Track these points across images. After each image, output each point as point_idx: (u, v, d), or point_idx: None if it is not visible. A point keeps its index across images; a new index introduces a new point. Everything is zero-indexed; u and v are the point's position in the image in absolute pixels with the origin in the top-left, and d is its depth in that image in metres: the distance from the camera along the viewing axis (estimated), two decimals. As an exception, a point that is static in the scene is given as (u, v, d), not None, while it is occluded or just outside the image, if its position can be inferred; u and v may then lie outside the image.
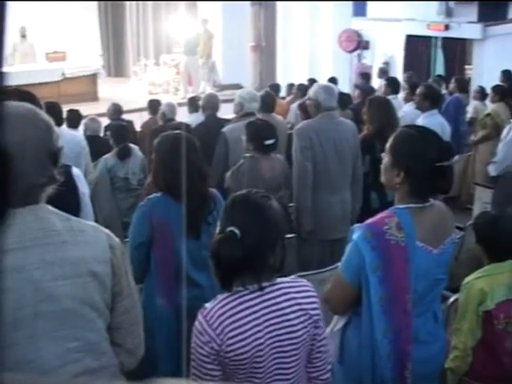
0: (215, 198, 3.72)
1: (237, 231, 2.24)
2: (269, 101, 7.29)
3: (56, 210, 2.05)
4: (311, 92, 5.49)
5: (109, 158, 6.56)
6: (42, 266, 1.94)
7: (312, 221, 5.25)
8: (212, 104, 7.33)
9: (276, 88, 11.25)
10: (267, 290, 2.31)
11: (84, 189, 3.38)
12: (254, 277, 2.29)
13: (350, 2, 16.98)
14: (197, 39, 16.86)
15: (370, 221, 2.86)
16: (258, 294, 2.30)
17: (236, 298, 2.30)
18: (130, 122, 8.83)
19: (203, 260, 3.55)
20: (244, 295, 2.30)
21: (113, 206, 6.44)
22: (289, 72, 17.41)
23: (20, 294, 1.91)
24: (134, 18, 20.12)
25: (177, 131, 3.91)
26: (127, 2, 20.10)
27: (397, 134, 2.99)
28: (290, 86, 12.73)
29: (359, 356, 2.91)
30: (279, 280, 2.37)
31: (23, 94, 3.20)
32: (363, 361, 2.89)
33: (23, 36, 16.28)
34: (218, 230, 2.35)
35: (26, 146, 1.92)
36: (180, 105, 9.26)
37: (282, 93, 12.47)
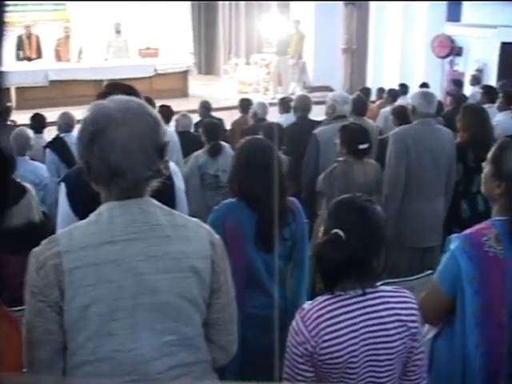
0: (294, 209, 3.66)
1: (341, 233, 2.24)
2: (361, 104, 7.26)
3: (159, 204, 2.09)
4: (410, 97, 5.45)
5: (200, 154, 6.63)
6: (144, 258, 1.98)
7: (396, 227, 5.18)
8: (304, 105, 7.34)
9: (366, 92, 11.17)
10: (368, 296, 2.30)
11: (180, 184, 3.39)
12: (357, 281, 2.28)
13: (444, 7, 16.68)
14: (288, 39, 16.88)
15: (468, 231, 2.81)
16: (359, 299, 2.29)
17: (335, 302, 2.30)
18: (221, 120, 8.91)
19: (277, 271, 3.53)
20: (344, 299, 2.30)
21: (201, 203, 6.50)
22: (379, 76, 17.25)
23: (121, 285, 1.96)
24: (227, 16, 20.28)
25: (259, 137, 3.89)
26: (220, 2, 20.27)
27: (499, 144, 2.93)
28: (381, 90, 12.62)
29: (449, 367, 2.87)
30: (380, 288, 2.35)
31: (128, 88, 3.25)
32: (453, 372, 2.84)
33: (118, 32, 16.59)
34: (321, 232, 2.35)
35: (134, 140, 1.96)
36: (270, 105, 9.28)
37: (372, 97, 12.37)
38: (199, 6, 20.79)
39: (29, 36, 15.79)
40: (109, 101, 2.06)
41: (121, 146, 1.94)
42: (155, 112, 2.08)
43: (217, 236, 2.18)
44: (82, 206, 2.95)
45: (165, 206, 2.10)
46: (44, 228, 5.53)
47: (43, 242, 2.04)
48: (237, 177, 3.57)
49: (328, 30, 17.71)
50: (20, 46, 15.70)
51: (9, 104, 12.17)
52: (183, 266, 2.03)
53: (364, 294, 2.29)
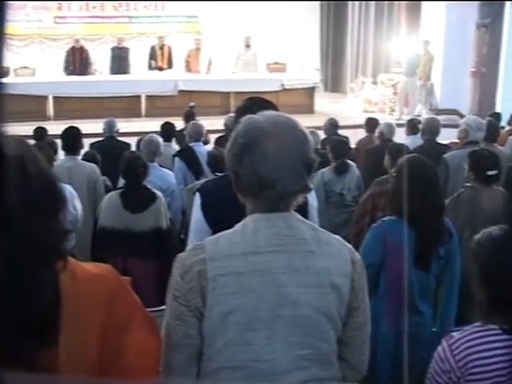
0: (450, 230, 3.65)
1: None
2: (492, 130, 7.09)
3: (303, 219, 2.12)
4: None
5: (326, 171, 6.64)
6: (286, 271, 2.00)
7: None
8: (432, 128, 7.24)
9: (497, 117, 10.85)
10: None
11: (313, 201, 3.41)
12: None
13: None
14: (417, 60, 16.67)
15: None
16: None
17: (488, 335, 2.24)
18: (347, 138, 8.88)
19: (429, 289, 3.50)
20: (497, 334, 2.23)
21: (325, 220, 6.51)
22: (509, 101, 16.76)
23: (262, 296, 1.98)
24: (355, 35, 20.23)
25: (420, 156, 3.88)
26: (349, 19, 20.24)
27: None
28: (512, 116, 12.24)
29: None
30: None
31: (266, 102, 3.30)
32: None
33: (247, 46, 16.83)
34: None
35: (283, 153, 2.00)
36: (395, 125, 9.17)
37: (502, 122, 12.02)
38: (328, 23, 20.85)
39: (161, 47, 16.26)
40: (260, 115, 2.11)
41: (270, 159, 1.98)
42: (305, 128, 2.10)
43: (357, 254, 2.17)
44: (216, 216, 3.02)
45: (309, 222, 2.13)
46: (170, 234, 5.68)
47: (189, 247, 2.10)
48: (397, 194, 3.58)
49: (458, 52, 17.36)
50: (153, 55, 16.20)
51: None
52: (324, 282, 2.03)
53: None
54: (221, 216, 2.95)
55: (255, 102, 3.26)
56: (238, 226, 2.08)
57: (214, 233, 2.94)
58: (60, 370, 1.76)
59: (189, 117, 9.95)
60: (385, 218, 3.62)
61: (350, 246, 2.18)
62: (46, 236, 1.77)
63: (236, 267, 1.99)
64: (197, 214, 3.09)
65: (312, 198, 3.45)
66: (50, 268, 1.78)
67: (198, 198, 3.11)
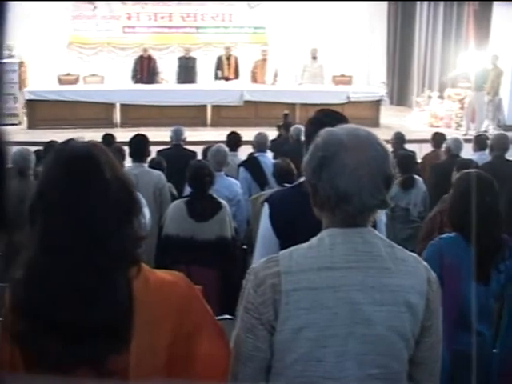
0: (509, 245, 3.57)
1: None
2: None
3: (381, 236, 2.09)
4: None
5: (392, 186, 6.56)
6: (362, 288, 1.97)
7: None
8: (501, 144, 7.12)
9: None
10: None
11: (382, 216, 3.38)
12: None
13: None
14: (485, 75, 16.41)
15: None
16: None
17: None
18: (413, 153, 8.79)
19: (488, 308, 3.43)
20: None
21: (390, 235, 6.43)
22: None
23: (336, 312, 1.96)
24: (423, 48, 20.04)
25: (477, 170, 3.82)
26: (416, 32, 20.07)
27: None
28: None
29: None
30: None
31: (337, 114, 3.29)
32: None
33: (314, 58, 16.85)
34: None
35: (362, 166, 1.97)
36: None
37: None
38: (395, 37, 20.72)
39: (228, 57, 16.38)
40: (339, 128, 2.09)
41: (349, 172, 1.96)
42: (384, 143, 2.08)
43: (433, 273, 2.13)
44: (284, 227, 3.01)
45: (386, 238, 2.09)
46: (234, 244, 5.69)
47: (263, 260, 2.08)
48: (455, 210, 3.53)
49: (527, 68, 17.06)
50: (219, 66, 16.32)
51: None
52: (399, 300, 2.00)
53: None
54: (289, 227, 2.94)
55: (327, 114, 3.25)
56: (313, 240, 2.05)
57: (281, 243, 2.95)
58: (130, 375, 1.78)
59: (286, 125, 10.08)
60: (443, 235, 3.56)
61: (425, 264, 2.14)
62: (121, 242, 1.79)
63: (310, 282, 1.96)
64: (265, 225, 3.09)
65: (381, 213, 3.42)
66: (124, 274, 1.80)
67: (266, 209, 3.10)
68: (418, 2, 19.74)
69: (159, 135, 10.78)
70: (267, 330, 1.99)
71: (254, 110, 15.02)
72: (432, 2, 19.41)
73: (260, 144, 7.92)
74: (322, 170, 2.00)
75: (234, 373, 2.03)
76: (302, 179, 3.12)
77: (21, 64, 15.48)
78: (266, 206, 3.12)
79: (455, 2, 18.84)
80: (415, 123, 16.78)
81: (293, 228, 2.88)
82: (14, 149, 6.93)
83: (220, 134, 10.70)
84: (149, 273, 1.87)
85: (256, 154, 7.82)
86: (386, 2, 20.13)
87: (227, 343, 2.03)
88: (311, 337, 1.96)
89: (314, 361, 1.97)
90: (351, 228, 2.02)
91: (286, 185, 4.99)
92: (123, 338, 1.76)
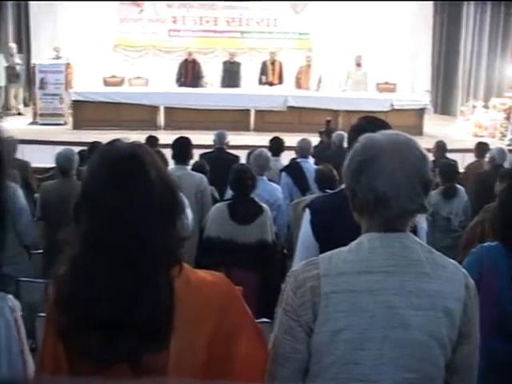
0: None
1: None
2: None
3: (420, 241, 2.11)
4: None
5: (433, 194, 6.55)
6: (399, 292, 1.99)
7: None
8: (547, 156, 7.04)
9: None
10: None
11: (423, 224, 3.37)
12: None
13: None
14: (531, 85, 16.24)
15: None
16: None
17: None
18: (455, 162, 8.73)
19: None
20: None
21: (429, 244, 6.40)
22: None
23: (374, 316, 1.98)
24: (468, 57, 19.84)
25: None
26: (462, 41, 19.89)
27: None
28: None
29: None
30: None
31: (380, 121, 3.30)
32: None
33: (358, 65, 16.80)
34: None
35: (401, 171, 2.00)
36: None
37: None
38: (440, 45, 20.56)
39: (273, 62, 16.39)
40: (379, 133, 2.12)
41: (388, 176, 1.98)
42: (423, 148, 2.10)
43: (471, 280, 2.14)
44: (324, 233, 3.03)
45: (424, 244, 2.11)
46: (274, 248, 5.72)
47: (303, 262, 2.11)
48: (497, 219, 3.52)
49: None
50: (264, 71, 16.34)
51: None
52: (437, 305, 2.01)
53: None
54: (330, 232, 2.96)
55: (370, 121, 3.26)
56: (352, 244, 2.08)
57: (321, 248, 2.97)
58: (169, 373, 1.80)
59: (328, 132, 10.11)
60: (484, 244, 3.54)
61: (464, 270, 2.15)
62: (164, 242, 1.82)
63: (349, 285, 1.99)
64: (305, 229, 3.11)
65: (422, 220, 3.41)
66: (166, 273, 1.83)
67: (307, 214, 3.13)
68: (465, 10, 19.57)
69: (202, 138, 10.85)
70: (305, 332, 2.01)
71: (297, 116, 15.00)
72: (479, 9, 19.22)
73: (303, 150, 7.95)
74: (361, 173, 2.04)
75: (272, 374, 2.06)
76: (343, 185, 3.15)
77: (67, 65, 15.66)
78: (307, 211, 3.15)
79: (502, 7, 18.60)
80: (459, 132, 16.62)
81: (332, 233, 2.90)
82: (58, 149, 7.05)
83: (263, 139, 10.72)
84: (190, 272, 1.90)
85: (298, 160, 7.85)
86: (432, 9, 19.98)
87: (265, 344, 2.05)
88: (349, 339, 1.98)
89: (351, 363, 1.99)
90: (390, 233, 2.05)
91: (328, 191, 5.00)
92: (163, 336, 1.79)
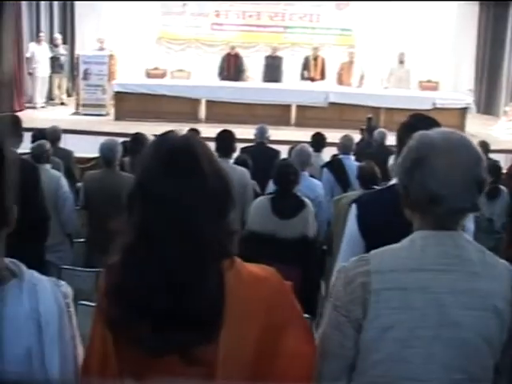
0: None
1: None
2: None
3: (472, 240, 2.09)
4: None
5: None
6: (450, 291, 1.98)
7: None
8: None
9: None
10: None
11: (470, 224, 3.34)
12: None
13: None
14: None
15: None
16: None
17: None
18: (498, 162, 8.63)
19: None
20: None
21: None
22: None
23: (424, 314, 1.97)
24: (513, 57, 19.63)
25: None
26: (508, 41, 19.62)
27: None
28: None
29: None
30: None
31: (430, 120, 3.27)
32: None
33: (401, 62, 16.73)
34: None
35: (455, 169, 1.99)
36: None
37: None
38: (485, 43, 20.31)
39: (315, 58, 16.35)
40: (433, 131, 2.11)
41: (441, 174, 1.98)
42: (478, 147, 2.08)
43: None
44: (371, 230, 3.02)
45: (476, 243, 2.09)
46: (315, 244, 5.71)
47: (354, 258, 2.11)
48: None
49: None
50: (306, 66, 16.31)
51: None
52: (487, 305, 1.99)
53: None
54: (376, 229, 2.95)
55: (419, 119, 3.25)
56: (404, 241, 2.07)
57: (366, 244, 2.96)
58: (218, 367, 1.81)
59: (370, 129, 10.09)
60: None
61: None
62: (217, 234, 1.82)
63: (400, 282, 1.98)
64: (352, 225, 3.10)
65: (468, 221, 3.38)
66: (218, 266, 1.83)
67: (354, 210, 3.11)
68: (511, 9, 19.31)
69: (243, 132, 10.84)
70: (354, 328, 2.01)
71: (338, 112, 14.93)
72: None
73: (346, 146, 7.92)
74: (415, 171, 2.03)
75: (319, 369, 2.06)
76: (392, 182, 3.13)
77: (111, 57, 15.79)
78: (354, 206, 3.13)
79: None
80: (502, 133, 16.42)
81: (379, 230, 2.89)
82: (100, 139, 7.11)
83: (303, 134, 10.70)
84: (241, 266, 1.90)
85: (340, 156, 7.82)
86: (477, 7, 19.76)
87: (313, 340, 2.05)
88: (398, 337, 1.97)
89: (401, 361, 1.98)
90: (442, 231, 2.03)
91: (375, 187, 4.97)
92: (213, 328, 1.79)
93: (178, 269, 1.78)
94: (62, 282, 1.95)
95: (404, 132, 3.10)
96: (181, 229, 1.80)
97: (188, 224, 1.80)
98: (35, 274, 1.89)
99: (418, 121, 3.18)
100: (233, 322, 1.82)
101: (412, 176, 2.03)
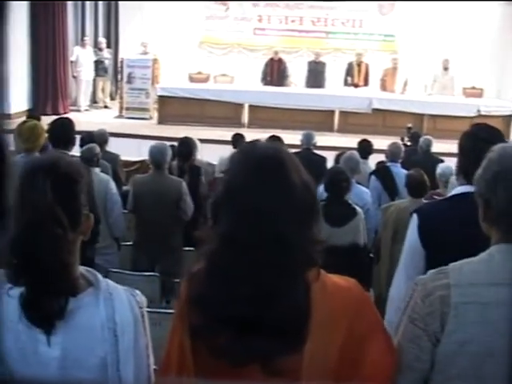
0: None
1: None
2: None
3: None
4: None
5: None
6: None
7: None
8: None
9: None
10: None
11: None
12: None
13: None
14: None
15: None
16: None
17: None
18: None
19: None
20: None
21: None
22: None
23: (500, 330, 1.93)
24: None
25: None
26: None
27: None
28: None
29: None
30: None
31: (493, 129, 3.23)
32: None
33: (445, 68, 16.58)
34: None
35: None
36: None
37: None
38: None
39: (359, 63, 16.30)
40: None
41: None
42: None
43: None
44: (432, 239, 2.98)
45: None
46: (365, 252, 5.67)
47: (432, 271, 2.08)
48: None
49: None
50: (349, 72, 16.27)
51: None
52: None
53: None
54: (437, 239, 2.92)
55: (482, 129, 3.21)
56: (483, 255, 2.03)
57: (428, 254, 2.93)
58: (302, 375, 1.79)
59: (414, 136, 10.08)
60: None
61: None
62: (303, 244, 1.81)
63: (479, 297, 1.95)
64: (412, 235, 3.08)
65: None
66: (304, 276, 1.82)
67: (415, 219, 3.08)
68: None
69: (286, 138, 10.82)
70: (431, 342, 1.98)
71: (381, 119, 14.87)
72: None
73: (393, 154, 7.87)
74: (498, 184, 1.99)
75: (394, 382, 2.03)
76: (453, 193, 3.09)
77: (154, 61, 15.90)
78: (415, 216, 3.10)
79: None
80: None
81: (441, 240, 2.87)
82: (143, 143, 7.13)
83: (347, 141, 10.70)
84: (325, 277, 1.90)
85: (388, 164, 7.77)
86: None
87: (394, 351, 2.02)
88: (475, 352, 1.95)
89: (475, 378, 1.95)
90: (507, 244, 2.00)
91: (436, 197, 4.93)
92: (299, 339, 1.78)
93: (265, 278, 1.77)
94: (137, 292, 1.95)
95: (467, 142, 3.08)
96: (268, 237, 1.79)
97: (276, 233, 1.79)
98: (110, 282, 1.90)
99: (481, 130, 3.15)
100: (317, 331, 1.81)
101: (495, 190, 2.00)
